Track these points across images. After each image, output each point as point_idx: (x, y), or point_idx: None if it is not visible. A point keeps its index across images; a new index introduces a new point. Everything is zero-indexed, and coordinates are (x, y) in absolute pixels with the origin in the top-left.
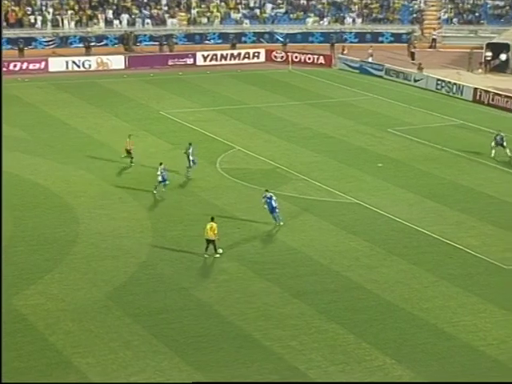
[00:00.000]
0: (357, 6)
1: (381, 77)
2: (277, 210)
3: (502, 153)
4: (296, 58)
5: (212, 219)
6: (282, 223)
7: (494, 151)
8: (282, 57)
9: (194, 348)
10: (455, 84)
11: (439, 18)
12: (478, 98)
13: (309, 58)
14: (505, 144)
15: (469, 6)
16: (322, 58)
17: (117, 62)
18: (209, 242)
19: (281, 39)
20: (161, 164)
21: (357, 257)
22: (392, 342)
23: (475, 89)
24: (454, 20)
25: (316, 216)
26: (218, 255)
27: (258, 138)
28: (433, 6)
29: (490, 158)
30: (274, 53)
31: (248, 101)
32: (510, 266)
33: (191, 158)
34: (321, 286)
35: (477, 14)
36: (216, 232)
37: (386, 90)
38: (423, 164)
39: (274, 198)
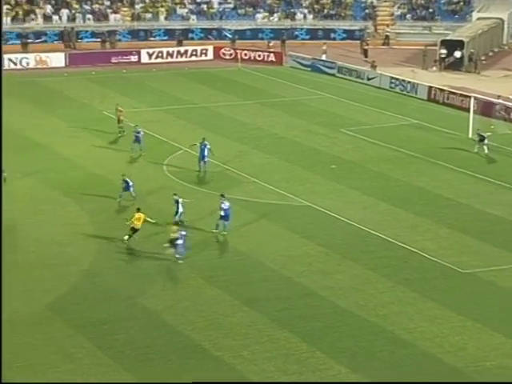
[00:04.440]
0: (308, 2)
1: (333, 75)
2: (226, 220)
3: (481, 149)
4: (245, 55)
5: (138, 210)
6: (225, 232)
7: (477, 146)
8: (231, 54)
9: (141, 360)
10: (409, 82)
11: (392, 14)
12: (432, 96)
13: (259, 56)
14: (486, 141)
15: (422, 1)
16: (272, 55)
17: (57, 59)
18: (134, 231)
19: (229, 36)
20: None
21: (310, 262)
22: (347, 351)
23: (430, 87)
24: (408, 16)
25: (267, 220)
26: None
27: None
28: (385, 1)
29: (445, 159)
30: (222, 50)
31: (196, 100)
32: (465, 269)
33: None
34: (272, 293)
35: (430, 10)
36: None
37: (338, 89)
38: (377, 165)
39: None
